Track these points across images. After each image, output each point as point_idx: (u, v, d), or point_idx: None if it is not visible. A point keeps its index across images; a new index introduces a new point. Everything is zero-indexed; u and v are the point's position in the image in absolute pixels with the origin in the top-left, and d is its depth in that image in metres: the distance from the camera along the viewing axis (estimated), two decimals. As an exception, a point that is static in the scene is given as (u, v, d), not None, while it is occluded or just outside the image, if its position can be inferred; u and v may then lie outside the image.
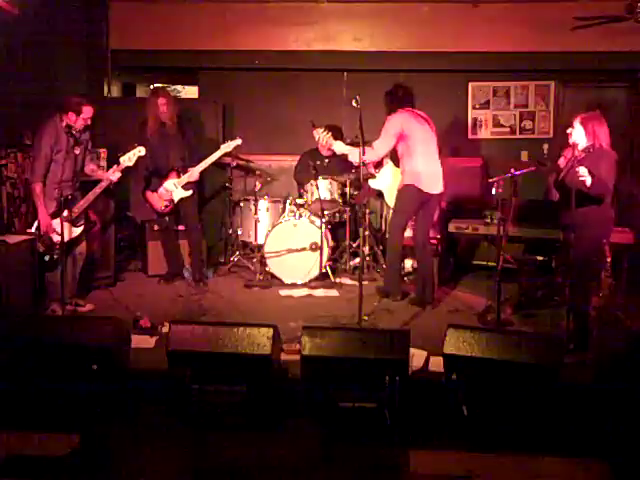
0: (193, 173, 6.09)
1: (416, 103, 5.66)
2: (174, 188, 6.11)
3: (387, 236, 5.85)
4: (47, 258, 5.19)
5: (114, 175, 5.36)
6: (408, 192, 5.48)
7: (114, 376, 3.84)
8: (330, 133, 5.34)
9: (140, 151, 5.43)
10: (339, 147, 5.44)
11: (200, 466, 3.41)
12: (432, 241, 6.28)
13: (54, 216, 5.11)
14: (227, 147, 6.17)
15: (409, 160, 5.47)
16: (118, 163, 5.38)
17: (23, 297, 5.00)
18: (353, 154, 5.27)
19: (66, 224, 5.04)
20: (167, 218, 6.32)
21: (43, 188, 5.14)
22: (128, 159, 5.38)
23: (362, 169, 4.98)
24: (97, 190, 5.31)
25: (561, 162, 4.82)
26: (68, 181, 5.20)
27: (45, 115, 5.27)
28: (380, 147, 5.41)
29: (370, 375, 3.66)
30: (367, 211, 5.92)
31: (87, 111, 5.17)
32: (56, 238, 5.14)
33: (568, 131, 4.61)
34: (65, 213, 5.03)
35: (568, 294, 4.60)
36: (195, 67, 8.09)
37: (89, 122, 5.24)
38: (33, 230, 5.21)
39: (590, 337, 4.41)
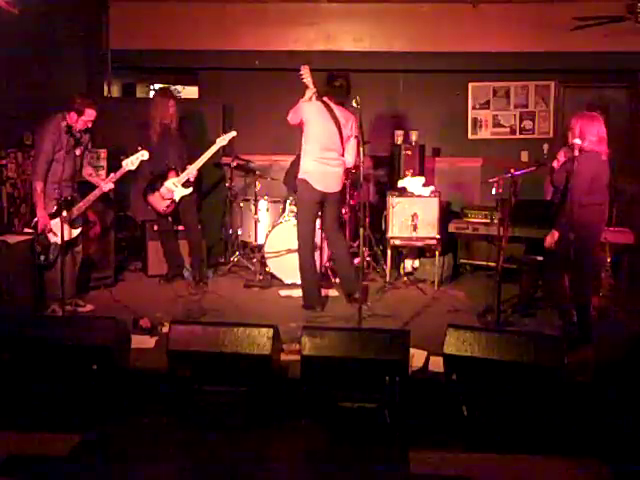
0: (191, 170, 6.09)
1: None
2: (174, 187, 6.10)
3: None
4: (42, 258, 5.17)
5: (106, 186, 5.35)
6: (301, 186, 5.45)
7: (114, 376, 3.84)
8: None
9: (143, 155, 5.43)
10: None
11: (200, 466, 3.41)
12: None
13: (53, 217, 5.11)
14: (223, 140, 6.15)
15: (303, 155, 5.47)
16: (120, 166, 5.38)
17: (23, 297, 4.99)
18: None
19: (65, 225, 5.03)
20: (170, 218, 6.32)
21: (44, 187, 5.14)
22: (131, 163, 5.38)
23: (362, 169, 4.97)
24: (91, 198, 5.33)
25: (554, 164, 4.85)
26: (68, 181, 5.19)
27: (46, 114, 5.27)
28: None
29: (370, 375, 3.67)
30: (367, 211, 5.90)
31: (89, 114, 5.14)
32: (53, 239, 5.14)
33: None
34: (64, 213, 5.02)
35: (568, 293, 4.61)
36: (195, 67, 8.10)
37: (89, 125, 5.22)
38: (31, 229, 5.20)
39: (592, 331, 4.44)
